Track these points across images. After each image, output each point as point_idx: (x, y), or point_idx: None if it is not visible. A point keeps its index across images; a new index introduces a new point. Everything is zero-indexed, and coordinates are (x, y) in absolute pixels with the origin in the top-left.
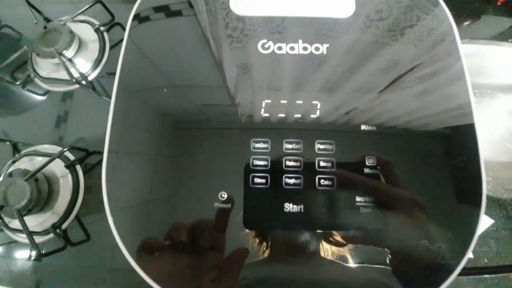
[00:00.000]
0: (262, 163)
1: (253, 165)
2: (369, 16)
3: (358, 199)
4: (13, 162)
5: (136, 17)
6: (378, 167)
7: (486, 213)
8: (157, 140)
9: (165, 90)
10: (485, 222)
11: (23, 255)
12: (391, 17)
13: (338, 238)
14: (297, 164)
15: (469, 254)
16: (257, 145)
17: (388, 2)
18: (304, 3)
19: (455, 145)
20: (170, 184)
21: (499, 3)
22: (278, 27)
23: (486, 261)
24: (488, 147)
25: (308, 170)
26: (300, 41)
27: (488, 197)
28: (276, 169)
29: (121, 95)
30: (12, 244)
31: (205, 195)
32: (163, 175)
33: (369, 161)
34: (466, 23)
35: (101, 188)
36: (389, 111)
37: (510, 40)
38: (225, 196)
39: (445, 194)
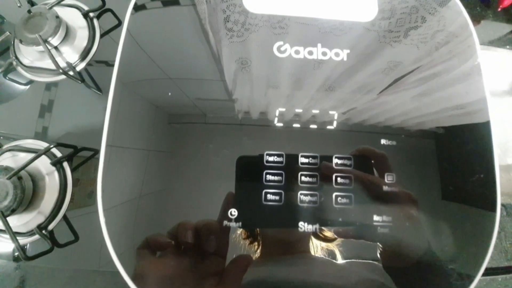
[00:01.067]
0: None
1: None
2: (391, 19)
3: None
4: None
5: (135, 7)
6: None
7: None
8: (155, 136)
9: (169, 94)
10: None
11: (7, 256)
12: (413, 18)
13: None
14: (313, 166)
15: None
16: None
17: (408, 3)
18: (327, 5)
19: (471, 155)
20: (167, 184)
21: (499, 9)
22: (280, 23)
23: None
24: None
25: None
26: (320, 45)
27: None
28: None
29: (119, 89)
30: None
31: (203, 195)
32: (160, 175)
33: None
34: None
35: (88, 181)
36: (410, 115)
37: (507, 46)
38: (235, 213)
39: (459, 204)
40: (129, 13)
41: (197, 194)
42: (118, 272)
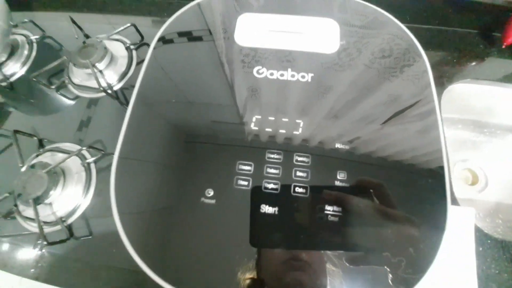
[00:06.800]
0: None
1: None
2: (349, 52)
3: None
4: (37, 155)
5: (161, 38)
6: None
7: (488, 254)
8: (165, 150)
9: (173, 100)
10: (469, 214)
11: (28, 244)
12: (371, 53)
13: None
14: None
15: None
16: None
17: (367, 41)
18: (299, 40)
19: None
20: (175, 192)
21: (503, 46)
22: (287, 56)
23: None
24: (498, 189)
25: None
26: (290, 69)
27: (492, 238)
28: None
29: (137, 105)
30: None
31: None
32: (169, 183)
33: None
34: (471, 63)
35: (104, 201)
36: (363, 133)
37: None
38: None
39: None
40: (154, 43)
41: (203, 208)
42: (123, 268)
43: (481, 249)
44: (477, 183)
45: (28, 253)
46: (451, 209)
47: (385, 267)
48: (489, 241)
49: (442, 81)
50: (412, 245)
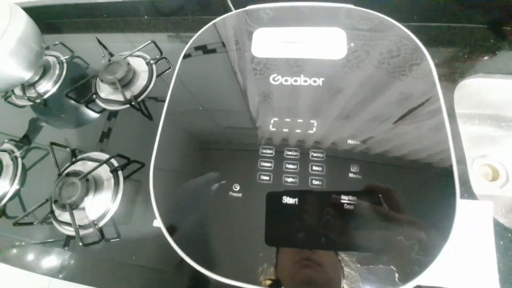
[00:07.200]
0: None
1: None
2: (356, 57)
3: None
4: (70, 164)
5: (185, 56)
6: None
7: (509, 247)
8: (195, 154)
9: (200, 108)
10: (486, 207)
11: (58, 247)
12: (374, 55)
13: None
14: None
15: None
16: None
17: (371, 44)
18: (310, 49)
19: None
20: (206, 190)
21: None
22: (297, 62)
23: None
24: None
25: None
26: (302, 75)
27: None
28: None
29: (167, 121)
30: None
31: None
32: (200, 184)
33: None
34: (482, 58)
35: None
36: (371, 130)
37: None
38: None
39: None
40: (179, 63)
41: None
42: (149, 267)
43: (501, 243)
44: (498, 179)
45: (58, 256)
46: (459, 202)
47: (392, 266)
48: (509, 234)
49: (454, 77)
50: (415, 245)
